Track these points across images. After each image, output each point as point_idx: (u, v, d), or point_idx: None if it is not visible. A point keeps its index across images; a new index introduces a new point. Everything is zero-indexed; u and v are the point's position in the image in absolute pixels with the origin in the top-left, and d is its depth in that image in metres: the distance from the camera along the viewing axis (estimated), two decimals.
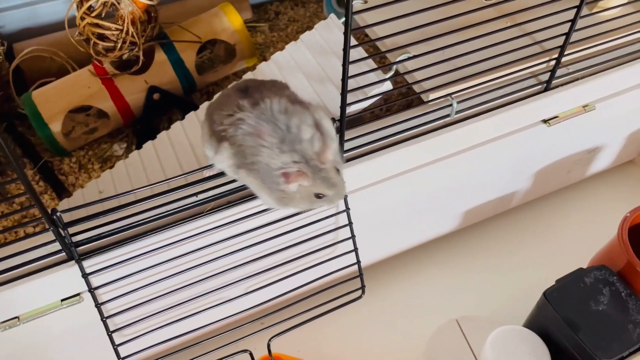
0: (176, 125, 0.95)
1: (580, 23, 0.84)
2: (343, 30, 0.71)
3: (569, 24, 0.82)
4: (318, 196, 0.72)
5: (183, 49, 1.09)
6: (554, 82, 0.90)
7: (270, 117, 0.70)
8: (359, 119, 0.91)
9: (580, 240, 1.13)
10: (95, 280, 0.73)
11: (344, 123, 0.77)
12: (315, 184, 0.71)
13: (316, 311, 0.85)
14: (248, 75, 0.99)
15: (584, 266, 0.91)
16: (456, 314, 1.02)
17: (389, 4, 0.69)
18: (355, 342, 1.01)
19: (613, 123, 1.05)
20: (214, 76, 1.17)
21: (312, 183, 0.70)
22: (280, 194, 0.72)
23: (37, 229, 0.93)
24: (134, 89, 1.06)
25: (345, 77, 0.70)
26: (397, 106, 1.02)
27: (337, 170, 0.73)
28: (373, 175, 0.85)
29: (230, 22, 1.13)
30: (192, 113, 0.97)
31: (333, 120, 0.78)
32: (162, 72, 1.08)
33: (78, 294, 0.74)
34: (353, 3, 0.95)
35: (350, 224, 0.84)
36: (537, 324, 0.88)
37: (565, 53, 0.87)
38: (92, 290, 0.72)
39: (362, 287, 0.88)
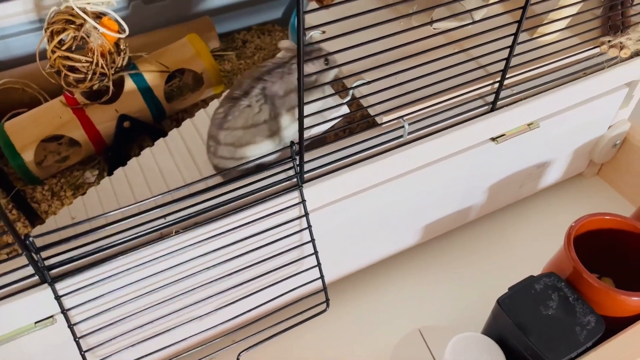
0: (146, 152, 0.98)
1: (521, 48, 0.89)
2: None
3: (509, 49, 0.88)
4: (326, 61, 0.89)
5: (152, 78, 1.12)
6: (499, 102, 0.95)
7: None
8: (320, 141, 0.96)
9: (533, 250, 1.16)
10: (67, 302, 0.75)
11: (303, 145, 0.81)
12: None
13: (284, 325, 0.87)
14: (215, 103, 1.03)
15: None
16: (419, 324, 1.05)
17: (344, 34, 0.73)
18: (323, 354, 1.03)
19: (558, 139, 1.09)
20: (182, 103, 1.20)
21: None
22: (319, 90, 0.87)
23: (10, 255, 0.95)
24: (104, 118, 1.09)
25: (300, 103, 0.74)
26: (358, 128, 1.07)
27: None
28: (332, 194, 0.89)
29: (197, 52, 1.17)
30: (161, 139, 1.00)
31: (292, 143, 0.82)
32: (132, 101, 1.11)
33: (51, 316, 0.76)
34: (313, 34, 1.01)
35: (312, 240, 0.88)
36: (493, 330, 0.91)
37: (508, 76, 0.92)
38: (64, 311, 0.74)
39: (327, 301, 0.91)
